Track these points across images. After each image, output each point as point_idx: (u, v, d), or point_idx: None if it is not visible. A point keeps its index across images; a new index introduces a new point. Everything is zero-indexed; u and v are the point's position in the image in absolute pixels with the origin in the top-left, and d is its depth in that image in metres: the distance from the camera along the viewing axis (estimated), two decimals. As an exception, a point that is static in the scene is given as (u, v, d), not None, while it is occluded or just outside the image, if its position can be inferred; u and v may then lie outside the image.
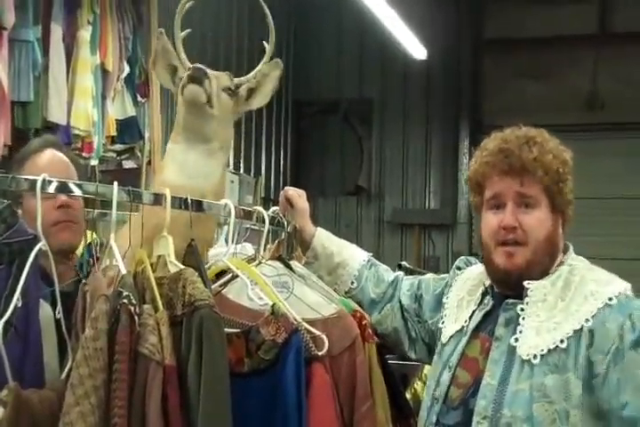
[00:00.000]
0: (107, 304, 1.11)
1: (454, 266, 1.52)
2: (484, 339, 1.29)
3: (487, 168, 1.29)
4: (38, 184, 1.14)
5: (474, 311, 1.35)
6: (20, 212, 1.45)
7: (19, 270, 1.17)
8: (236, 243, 1.56)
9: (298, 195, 1.60)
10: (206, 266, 1.40)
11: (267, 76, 1.71)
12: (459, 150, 7.11)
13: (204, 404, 1.08)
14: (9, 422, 1.09)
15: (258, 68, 1.71)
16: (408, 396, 1.94)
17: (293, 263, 1.50)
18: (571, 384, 1.17)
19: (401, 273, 1.62)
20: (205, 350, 1.11)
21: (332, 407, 1.27)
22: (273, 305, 1.26)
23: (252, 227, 1.59)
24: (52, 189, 1.16)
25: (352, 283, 1.55)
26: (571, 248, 1.34)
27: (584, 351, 1.18)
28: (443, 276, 1.55)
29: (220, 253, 1.49)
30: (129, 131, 3.43)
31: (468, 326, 1.33)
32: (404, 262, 2.51)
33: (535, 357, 1.19)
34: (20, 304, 1.14)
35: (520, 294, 1.26)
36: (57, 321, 1.28)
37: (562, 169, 1.28)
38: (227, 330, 1.22)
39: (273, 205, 1.61)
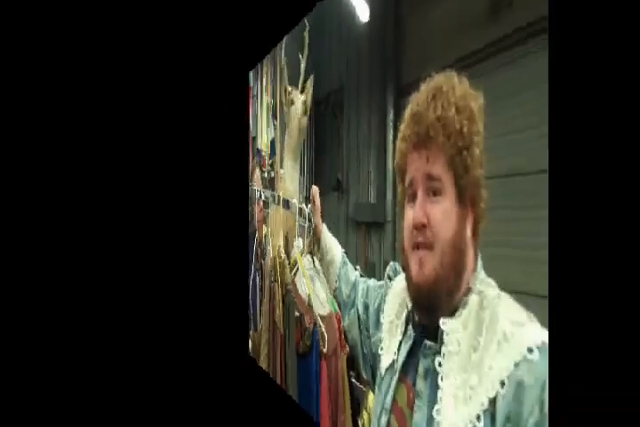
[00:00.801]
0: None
1: (385, 275, 1.19)
2: (409, 387, 0.95)
3: (402, 144, 0.93)
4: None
5: (400, 342, 1.00)
6: None
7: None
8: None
9: (317, 192, 1.51)
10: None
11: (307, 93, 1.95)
12: (386, 128, 4.70)
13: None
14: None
15: (307, 86, 1.93)
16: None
17: (315, 259, 1.58)
18: None
19: (357, 273, 1.37)
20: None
21: (327, 400, 1.30)
22: (309, 295, 1.35)
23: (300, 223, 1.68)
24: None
25: (336, 282, 1.35)
26: (479, 264, 0.93)
27: None
28: (381, 283, 1.22)
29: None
30: (272, 149, 4.47)
31: (397, 360, 0.98)
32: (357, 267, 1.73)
33: None
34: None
35: (435, 329, 0.90)
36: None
37: (467, 127, 0.87)
38: (296, 313, 1.35)
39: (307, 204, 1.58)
